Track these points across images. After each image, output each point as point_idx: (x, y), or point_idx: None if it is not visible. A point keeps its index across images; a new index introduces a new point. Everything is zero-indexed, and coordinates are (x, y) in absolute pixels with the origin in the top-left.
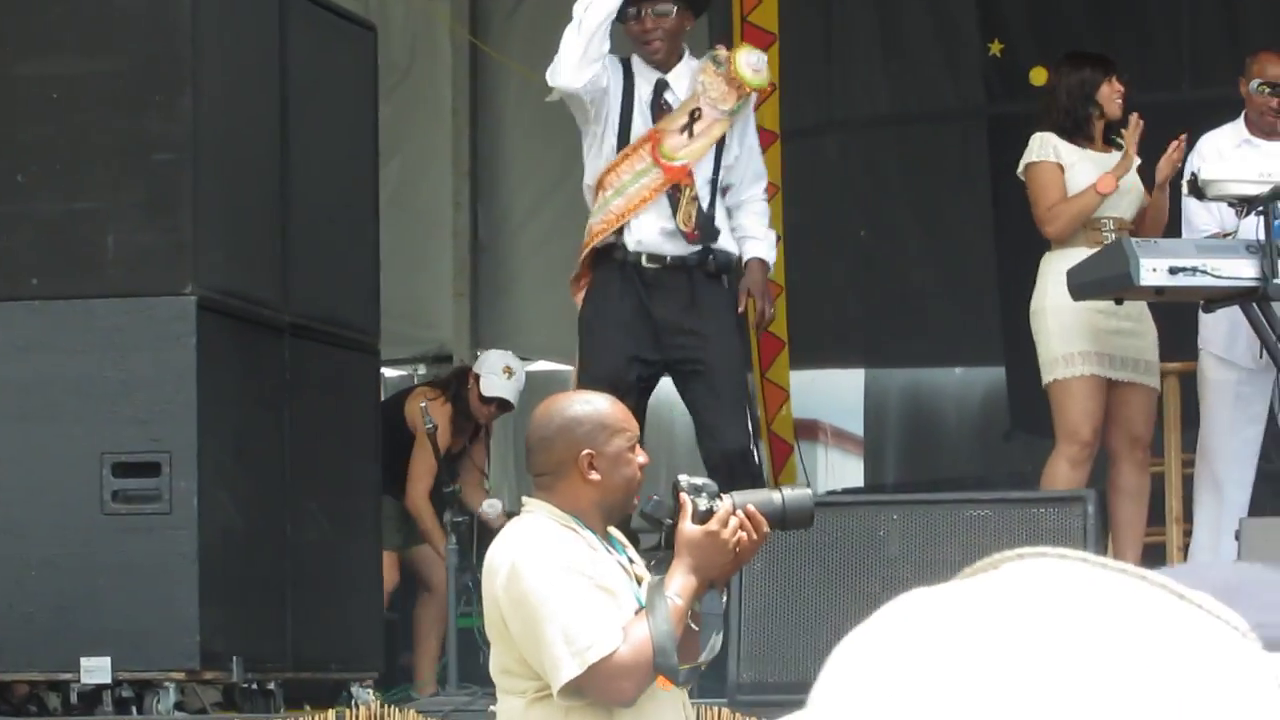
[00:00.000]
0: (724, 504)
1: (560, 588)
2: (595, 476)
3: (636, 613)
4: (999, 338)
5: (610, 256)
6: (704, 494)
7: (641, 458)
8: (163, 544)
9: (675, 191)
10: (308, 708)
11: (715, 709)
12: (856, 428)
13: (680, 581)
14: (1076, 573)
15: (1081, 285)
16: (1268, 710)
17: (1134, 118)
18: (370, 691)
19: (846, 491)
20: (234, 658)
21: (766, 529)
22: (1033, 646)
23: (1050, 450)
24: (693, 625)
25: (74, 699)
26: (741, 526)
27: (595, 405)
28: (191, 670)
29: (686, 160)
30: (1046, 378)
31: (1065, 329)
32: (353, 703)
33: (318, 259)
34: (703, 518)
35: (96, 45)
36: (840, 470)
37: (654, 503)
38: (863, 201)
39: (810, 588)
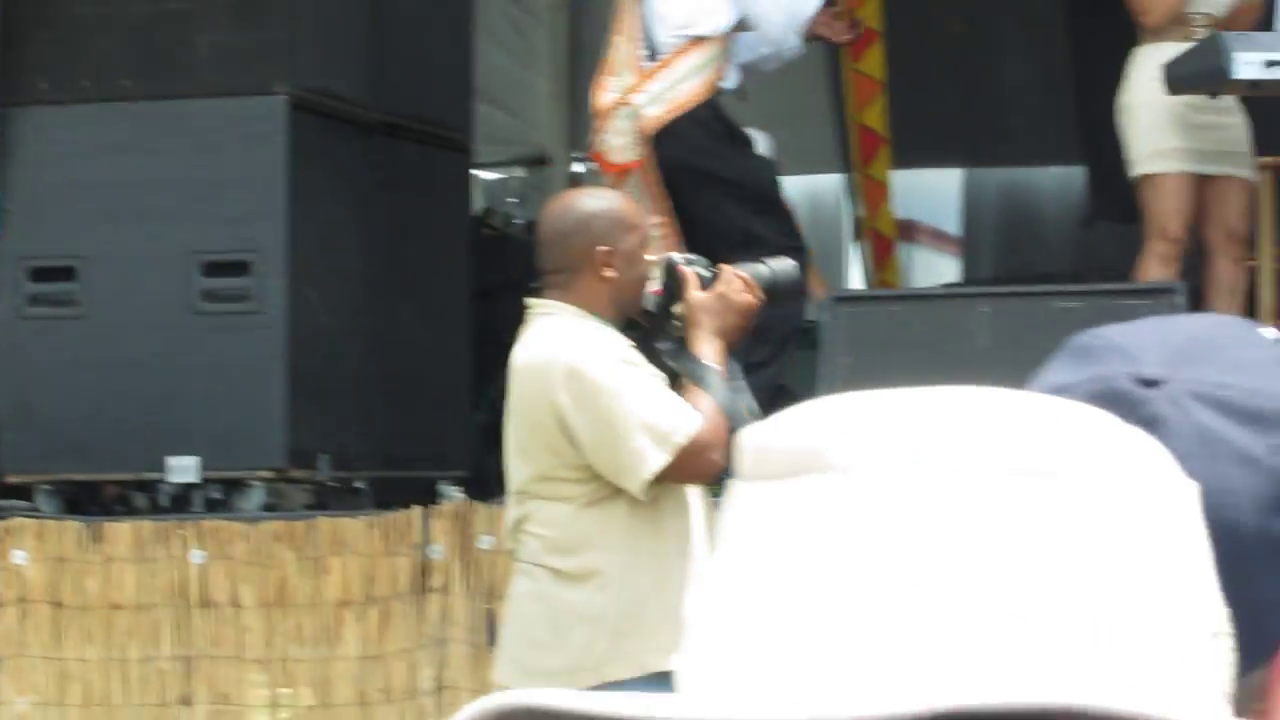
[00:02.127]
0: (725, 269)
1: (627, 380)
2: (610, 274)
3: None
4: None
5: None
6: (698, 265)
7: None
8: (252, 343)
9: None
10: (395, 506)
11: None
12: (953, 228)
13: (709, 347)
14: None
15: (1176, 79)
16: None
17: None
18: (458, 489)
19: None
20: (321, 456)
21: (761, 293)
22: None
23: (1139, 244)
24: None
25: (162, 499)
26: (743, 288)
27: (610, 201)
28: (279, 469)
29: None
30: (1135, 172)
31: (1155, 124)
32: (439, 500)
33: (410, 57)
34: (708, 284)
35: None
36: (937, 268)
37: (649, 298)
38: None
39: (899, 381)
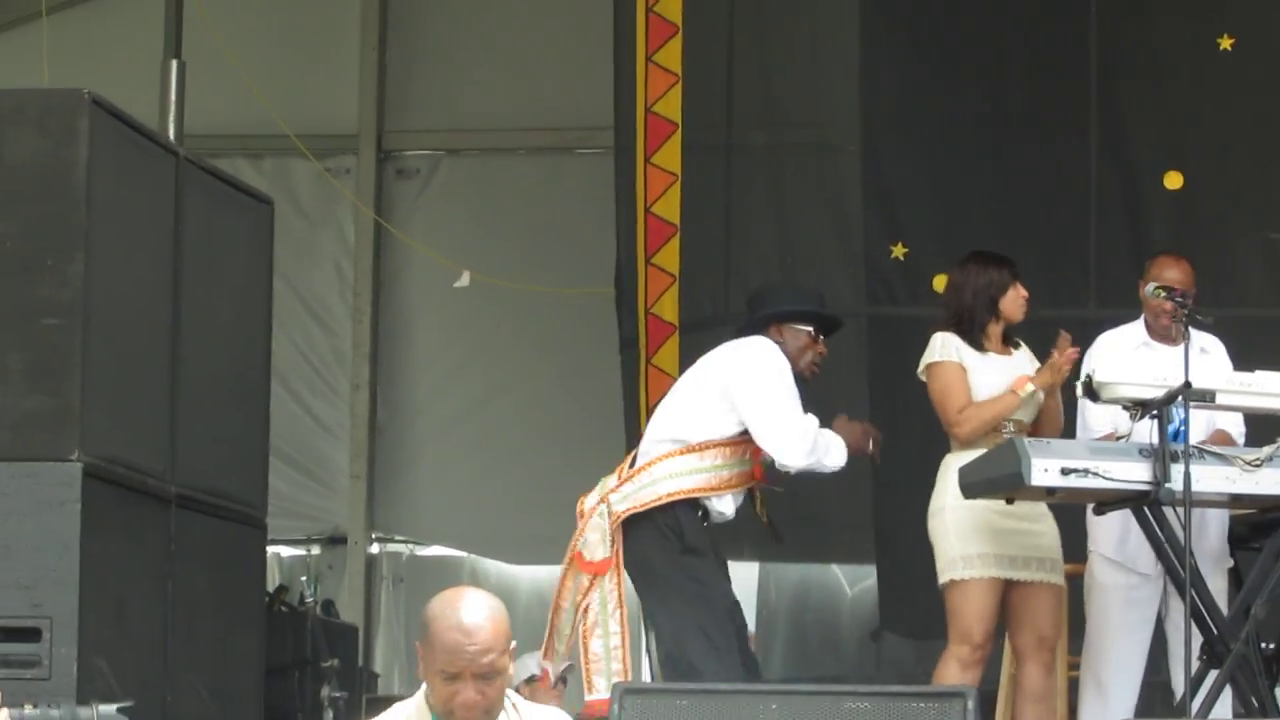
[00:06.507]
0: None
1: None
2: (425, 687)
3: None
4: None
5: None
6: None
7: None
8: None
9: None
10: None
11: None
12: (749, 624)
13: None
14: None
15: (973, 484)
16: None
17: (1064, 336)
18: None
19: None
20: None
21: None
22: None
23: (935, 652)
24: None
25: None
26: None
27: (447, 622)
28: None
29: None
30: (943, 578)
31: (963, 529)
32: None
33: (207, 430)
34: None
35: None
36: None
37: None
38: None
39: None
